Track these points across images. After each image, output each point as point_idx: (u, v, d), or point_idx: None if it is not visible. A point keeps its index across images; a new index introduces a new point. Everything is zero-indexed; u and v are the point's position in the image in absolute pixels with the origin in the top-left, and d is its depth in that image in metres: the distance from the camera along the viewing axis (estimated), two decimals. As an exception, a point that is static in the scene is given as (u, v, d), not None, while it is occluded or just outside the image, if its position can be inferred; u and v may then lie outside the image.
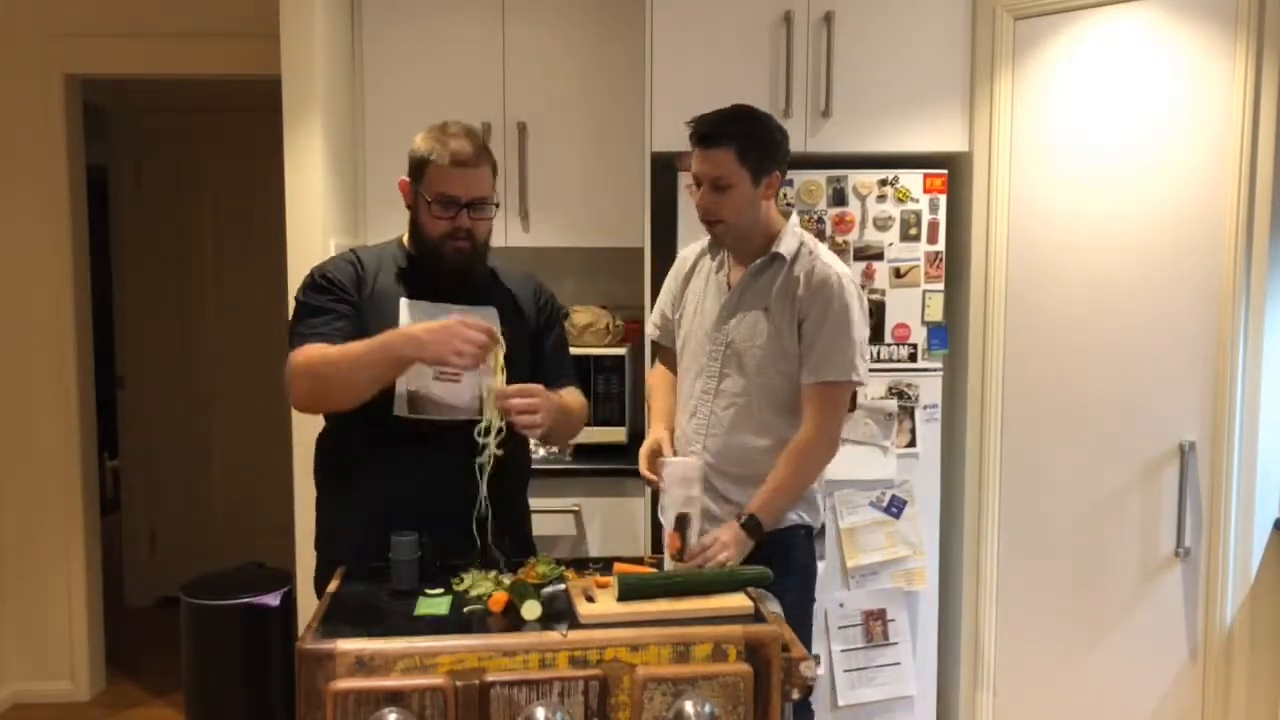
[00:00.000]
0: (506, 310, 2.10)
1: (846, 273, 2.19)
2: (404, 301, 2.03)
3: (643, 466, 2.29)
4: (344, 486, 2.08)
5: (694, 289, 2.36)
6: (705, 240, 2.35)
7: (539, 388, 1.94)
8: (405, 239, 2.12)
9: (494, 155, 2.07)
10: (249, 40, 3.40)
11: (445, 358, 1.83)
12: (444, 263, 2.01)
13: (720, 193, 2.15)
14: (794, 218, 2.26)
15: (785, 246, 2.20)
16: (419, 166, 2.02)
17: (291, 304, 2.08)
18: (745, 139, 2.14)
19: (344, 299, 2.01)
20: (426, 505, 1.94)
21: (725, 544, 2.00)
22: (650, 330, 2.55)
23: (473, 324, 1.85)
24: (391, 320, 2.00)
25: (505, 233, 3.23)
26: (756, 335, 2.19)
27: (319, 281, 2.04)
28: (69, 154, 3.58)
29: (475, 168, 2.00)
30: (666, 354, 2.49)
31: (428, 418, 2.00)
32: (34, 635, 3.68)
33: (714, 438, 2.24)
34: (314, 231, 2.83)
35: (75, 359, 3.63)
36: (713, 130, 2.15)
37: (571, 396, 2.15)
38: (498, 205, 2.08)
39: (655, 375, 2.52)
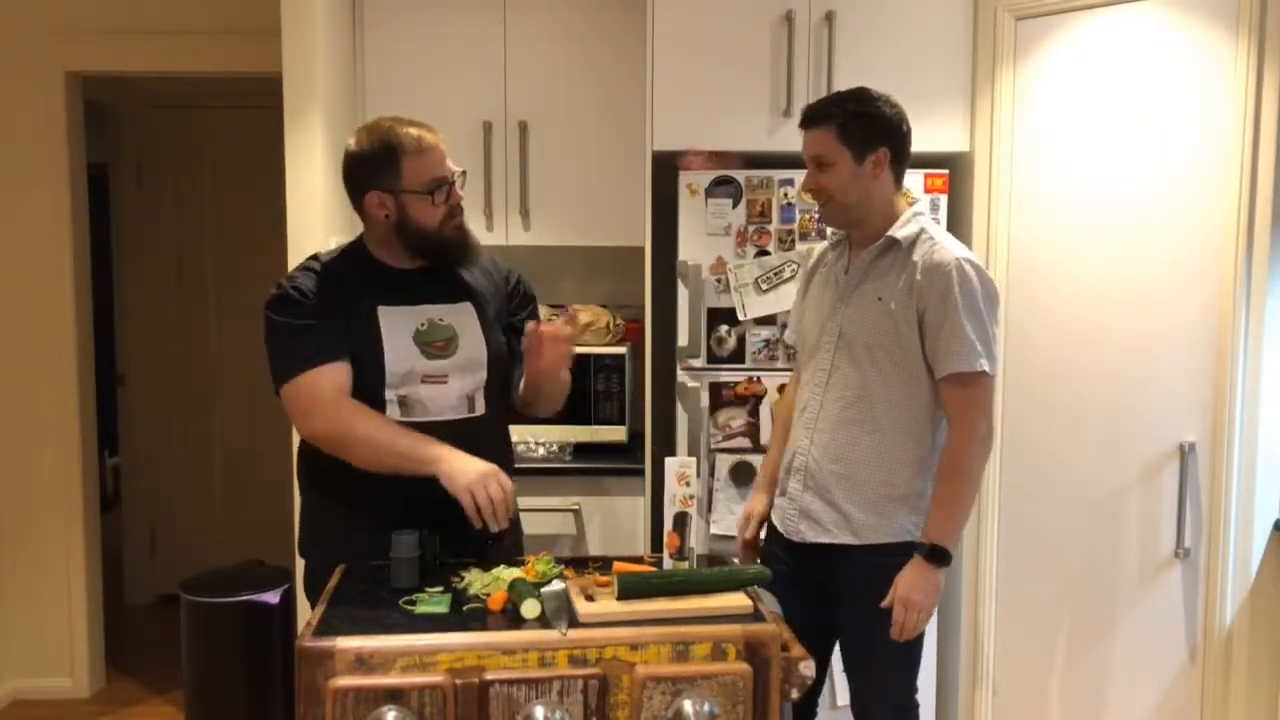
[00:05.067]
0: (481, 302, 2.11)
1: (969, 257, 2.08)
2: (382, 310, 2.01)
3: (739, 537, 2.29)
4: (335, 487, 2.07)
5: (815, 283, 2.31)
6: (836, 237, 2.31)
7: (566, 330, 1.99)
8: (367, 243, 2.09)
9: None
10: (250, 38, 3.40)
11: (460, 495, 1.86)
12: (447, 247, 2.01)
13: (822, 170, 2.15)
14: (919, 205, 2.20)
15: (902, 231, 2.12)
16: (387, 163, 1.96)
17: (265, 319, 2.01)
18: (844, 116, 2.11)
19: (320, 311, 1.97)
20: (415, 503, 1.95)
21: (914, 604, 1.99)
22: (787, 335, 2.46)
23: (506, 484, 1.89)
24: (364, 328, 1.98)
25: (506, 232, 3.23)
26: (869, 325, 2.11)
27: (291, 295, 1.99)
28: (70, 152, 3.57)
29: (441, 143, 2.01)
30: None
31: (416, 419, 2.01)
32: (34, 632, 3.68)
33: (820, 432, 2.16)
34: (315, 230, 2.83)
35: (75, 357, 3.62)
36: (813, 111, 2.17)
37: None
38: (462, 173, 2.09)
39: (781, 404, 2.40)
